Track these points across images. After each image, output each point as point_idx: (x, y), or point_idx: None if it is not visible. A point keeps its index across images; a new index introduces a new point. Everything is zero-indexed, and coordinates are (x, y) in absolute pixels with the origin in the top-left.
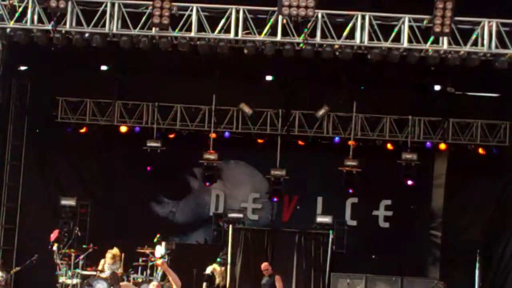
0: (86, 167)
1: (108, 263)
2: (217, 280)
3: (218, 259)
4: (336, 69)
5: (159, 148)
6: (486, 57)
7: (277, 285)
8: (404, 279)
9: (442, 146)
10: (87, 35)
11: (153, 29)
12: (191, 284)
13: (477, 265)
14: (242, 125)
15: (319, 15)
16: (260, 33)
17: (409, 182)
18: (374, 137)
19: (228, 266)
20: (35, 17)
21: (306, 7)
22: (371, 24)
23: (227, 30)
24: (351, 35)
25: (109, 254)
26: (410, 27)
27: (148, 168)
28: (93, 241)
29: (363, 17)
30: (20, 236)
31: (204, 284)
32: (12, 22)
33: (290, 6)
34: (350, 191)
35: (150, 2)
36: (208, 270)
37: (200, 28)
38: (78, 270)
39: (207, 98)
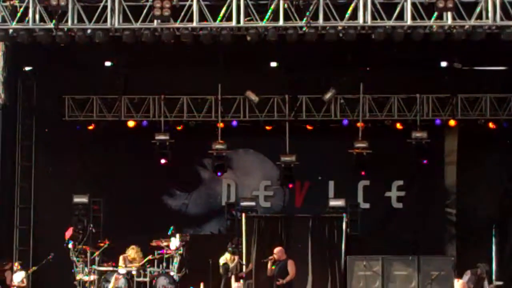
0: (97, 163)
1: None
2: (231, 267)
3: (230, 248)
4: (341, 51)
5: (167, 141)
6: (492, 30)
7: (289, 269)
8: (421, 258)
9: (452, 122)
10: (89, 31)
11: (155, 21)
12: (207, 274)
13: (494, 240)
14: (249, 113)
15: None
16: (262, 19)
17: (425, 161)
18: (382, 117)
19: (243, 255)
20: (37, 16)
21: None
22: (373, 3)
23: (229, 18)
24: (354, 16)
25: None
26: (413, 4)
27: (163, 161)
28: (107, 237)
29: None
30: (35, 236)
31: (221, 271)
32: (14, 22)
33: None
34: (362, 173)
35: None
36: (222, 261)
37: (202, 18)
38: (94, 267)
39: (212, 88)
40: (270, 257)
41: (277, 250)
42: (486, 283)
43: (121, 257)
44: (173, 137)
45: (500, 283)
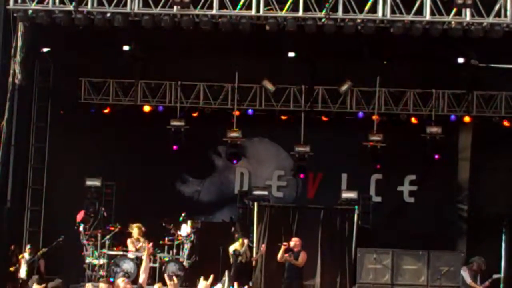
0: (111, 147)
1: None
2: (242, 252)
3: (236, 235)
4: (358, 43)
5: (182, 127)
6: (510, 28)
7: (299, 257)
8: (431, 253)
9: (467, 119)
10: (108, 15)
11: (175, 7)
12: (217, 262)
13: (503, 237)
14: (265, 102)
15: None
16: (281, 9)
17: (436, 156)
18: (398, 111)
19: (254, 243)
20: None
21: None
22: None
23: (249, 7)
24: (373, 9)
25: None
26: (433, 0)
27: (175, 147)
28: (118, 221)
29: None
30: (46, 217)
31: (232, 259)
32: (34, 3)
33: None
34: (378, 166)
35: None
36: (232, 249)
37: (222, 5)
38: (104, 250)
39: (229, 75)
40: (285, 243)
41: (295, 239)
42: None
43: (128, 241)
44: (188, 124)
45: (498, 275)
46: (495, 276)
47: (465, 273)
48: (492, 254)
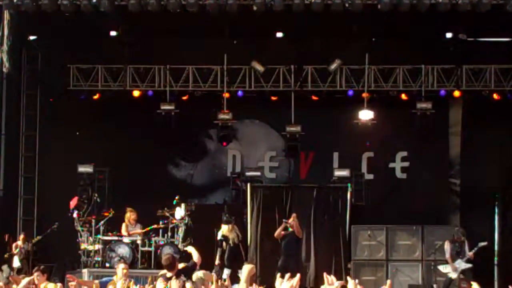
0: (102, 133)
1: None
2: (231, 238)
3: (224, 218)
4: (346, 21)
5: (173, 111)
6: (497, 1)
7: (294, 224)
8: (425, 228)
9: (457, 93)
10: (94, 0)
11: None
12: (211, 245)
13: (497, 210)
14: (255, 83)
15: None
16: None
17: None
18: (387, 88)
19: (248, 224)
20: None
21: None
22: None
23: None
24: None
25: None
26: None
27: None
28: (112, 207)
29: None
30: (40, 205)
31: (219, 250)
32: None
33: None
34: (367, 144)
35: None
36: (219, 236)
37: None
38: (99, 236)
39: (218, 58)
40: (291, 222)
41: (294, 215)
42: (466, 247)
43: (123, 225)
44: (178, 107)
45: (485, 243)
46: (481, 244)
47: (447, 247)
48: (485, 227)
